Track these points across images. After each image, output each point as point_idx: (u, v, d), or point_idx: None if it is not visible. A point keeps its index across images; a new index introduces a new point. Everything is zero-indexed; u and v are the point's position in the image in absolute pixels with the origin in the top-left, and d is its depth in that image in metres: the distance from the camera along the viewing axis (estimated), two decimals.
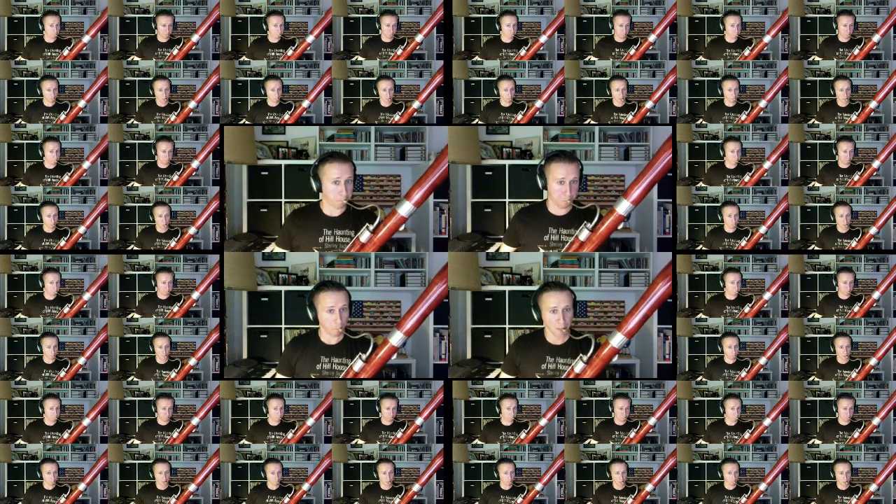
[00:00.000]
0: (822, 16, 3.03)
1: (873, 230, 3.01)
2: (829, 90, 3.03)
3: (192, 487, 3.00)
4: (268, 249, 2.98)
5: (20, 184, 3.02)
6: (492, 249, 2.99)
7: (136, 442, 3.01)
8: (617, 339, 2.93)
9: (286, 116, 3.02)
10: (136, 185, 3.02)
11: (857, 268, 3.00)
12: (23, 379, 3.00)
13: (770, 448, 3.00)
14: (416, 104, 3.02)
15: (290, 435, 3.00)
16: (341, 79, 3.03)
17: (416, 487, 3.00)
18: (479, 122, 3.02)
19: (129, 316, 3.01)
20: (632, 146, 3.01)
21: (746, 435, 3.00)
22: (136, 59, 3.02)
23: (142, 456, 3.01)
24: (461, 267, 2.98)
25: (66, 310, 3.00)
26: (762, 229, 3.02)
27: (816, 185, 3.02)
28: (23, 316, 3.00)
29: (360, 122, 3.02)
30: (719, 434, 3.01)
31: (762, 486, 3.00)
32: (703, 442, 3.01)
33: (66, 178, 3.02)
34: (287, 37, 3.03)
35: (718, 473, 3.00)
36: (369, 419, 3.02)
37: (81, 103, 3.02)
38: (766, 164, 3.02)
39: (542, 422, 3.00)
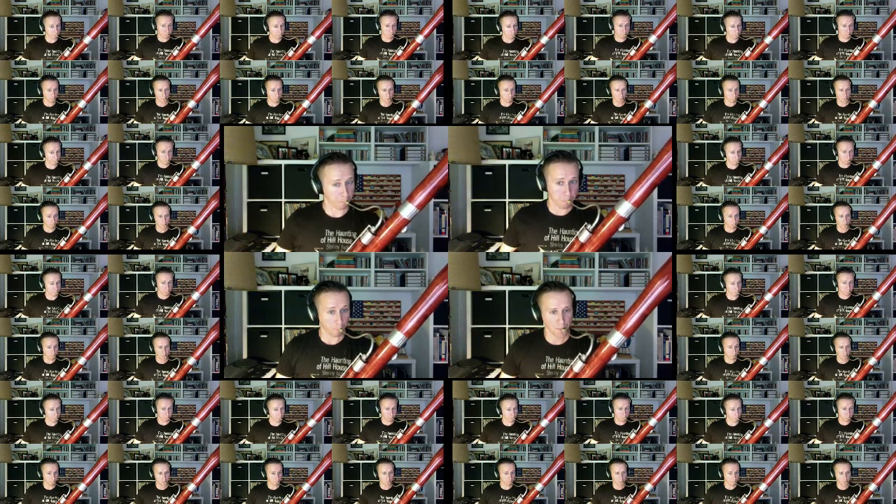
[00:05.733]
0: (822, 16, 3.03)
1: (873, 230, 3.02)
2: (829, 90, 3.03)
3: (191, 487, 3.00)
4: (268, 249, 2.98)
5: (20, 184, 3.02)
6: (492, 249, 2.99)
7: (136, 442, 3.01)
8: (615, 338, 2.93)
9: (286, 116, 3.02)
10: (136, 185, 3.02)
11: (857, 268, 3.00)
12: (23, 379, 3.00)
13: (770, 448, 3.01)
14: (415, 104, 3.02)
15: (290, 435, 3.00)
16: (341, 79, 3.03)
17: (415, 487, 3.01)
18: (479, 122, 3.02)
19: (129, 316, 3.01)
20: (632, 146, 3.01)
21: (747, 435, 3.00)
22: (136, 59, 3.02)
23: (142, 456, 3.01)
24: (461, 267, 2.98)
25: (66, 310, 3.00)
26: (762, 229, 3.02)
27: (816, 185, 3.03)
28: (23, 316, 3.00)
29: (360, 122, 3.02)
30: (719, 434, 3.01)
31: (762, 487, 3.00)
32: (704, 442, 3.01)
33: (66, 178, 3.02)
34: (287, 37, 3.03)
35: (718, 473, 3.01)
36: (369, 419, 3.02)
37: (81, 103, 3.01)
38: (767, 165, 3.02)
39: (543, 423, 3.00)
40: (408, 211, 2.93)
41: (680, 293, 3.00)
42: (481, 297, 3.02)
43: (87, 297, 3.00)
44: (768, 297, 3.00)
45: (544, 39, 3.02)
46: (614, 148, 3.02)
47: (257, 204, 3.02)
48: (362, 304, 3.01)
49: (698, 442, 3.01)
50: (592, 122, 3.02)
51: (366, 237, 2.93)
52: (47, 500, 3.00)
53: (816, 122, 3.03)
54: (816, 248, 3.02)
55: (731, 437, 3.00)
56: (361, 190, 2.99)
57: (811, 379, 3.01)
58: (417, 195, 2.93)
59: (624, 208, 2.92)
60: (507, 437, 3.01)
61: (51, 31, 3.01)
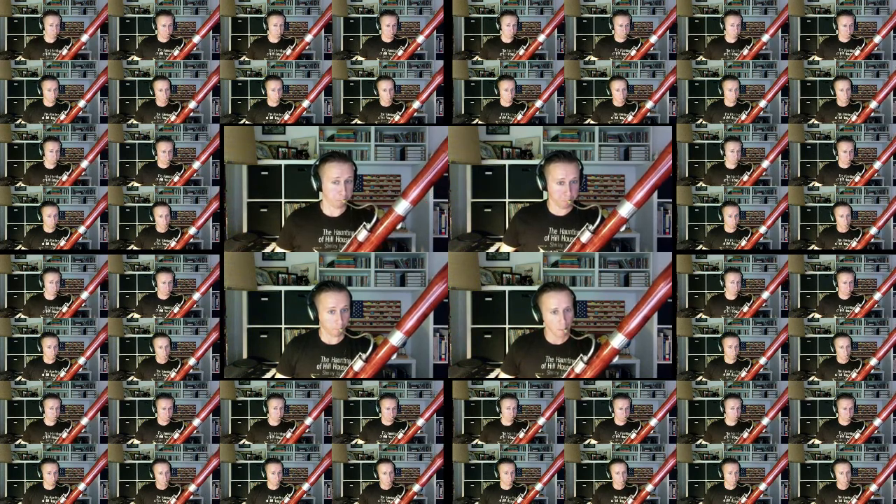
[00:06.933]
0: (822, 16, 3.03)
1: (873, 230, 3.01)
2: (829, 90, 3.03)
3: (192, 487, 3.00)
4: (268, 249, 2.98)
5: (20, 184, 3.02)
6: (492, 249, 2.99)
7: (136, 442, 3.01)
8: (617, 340, 2.93)
9: (286, 116, 3.03)
10: (136, 185, 3.02)
11: (857, 268, 3.00)
12: (23, 379, 3.00)
13: (770, 448, 3.00)
14: (416, 104, 3.02)
15: (289, 435, 3.00)
16: (341, 79, 3.03)
17: (416, 487, 3.00)
18: (479, 122, 3.02)
19: (129, 316, 3.01)
20: (632, 146, 3.01)
21: (746, 435, 3.00)
22: (136, 59, 3.02)
23: (142, 456, 3.01)
24: (461, 267, 2.98)
25: (65, 310, 3.00)
26: (762, 229, 3.02)
27: (816, 185, 3.02)
28: (23, 316, 3.00)
29: (360, 122, 3.02)
30: (719, 434, 3.00)
31: (762, 486, 3.00)
32: (704, 442, 3.01)
33: (65, 177, 3.02)
34: (287, 37, 3.03)
35: (718, 473, 3.00)
36: (369, 419, 3.02)
37: (81, 103, 3.02)
38: (766, 164, 3.02)
39: (541, 421, 3.00)
40: (402, 207, 2.93)
41: (680, 293, 3.00)
42: (481, 297, 3.02)
43: (84, 294, 3.00)
44: (765, 294, 3.00)
45: (542, 38, 3.03)
46: (614, 148, 3.02)
47: (257, 204, 3.02)
48: (362, 304, 3.01)
49: (698, 442, 3.01)
50: (592, 122, 3.02)
51: (361, 234, 2.93)
52: (47, 500, 3.00)
53: (816, 122, 3.02)
54: (816, 248, 3.02)
55: (728, 437, 3.00)
56: (361, 190, 2.99)
57: (811, 379, 3.00)
58: (411, 191, 2.93)
59: (625, 209, 2.92)
60: (505, 437, 3.00)
61: (50, 30, 3.01)
